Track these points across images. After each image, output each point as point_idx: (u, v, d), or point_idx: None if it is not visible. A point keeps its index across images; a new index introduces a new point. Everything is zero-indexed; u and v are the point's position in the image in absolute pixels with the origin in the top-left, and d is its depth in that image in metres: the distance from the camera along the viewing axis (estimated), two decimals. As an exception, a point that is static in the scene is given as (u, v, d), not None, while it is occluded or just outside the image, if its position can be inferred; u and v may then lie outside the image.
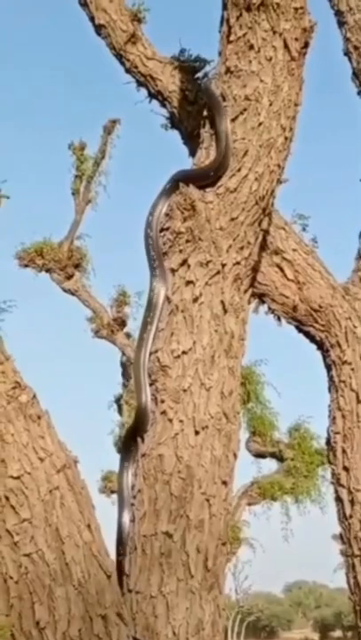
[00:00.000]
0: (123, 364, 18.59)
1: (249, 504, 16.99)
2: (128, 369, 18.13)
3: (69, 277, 16.63)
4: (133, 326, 17.38)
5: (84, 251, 16.76)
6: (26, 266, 16.26)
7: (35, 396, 3.79)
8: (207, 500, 3.93)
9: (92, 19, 5.18)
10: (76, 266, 16.66)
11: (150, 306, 4.19)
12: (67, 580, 3.57)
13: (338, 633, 66.39)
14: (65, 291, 16.82)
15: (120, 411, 18.96)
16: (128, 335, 17.73)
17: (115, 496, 18.35)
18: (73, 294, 16.94)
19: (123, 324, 17.61)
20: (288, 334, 5.20)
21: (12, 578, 3.58)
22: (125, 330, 17.75)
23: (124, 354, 18.00)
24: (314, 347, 5.11)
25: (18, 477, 3.61)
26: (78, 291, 16.93)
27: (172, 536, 3.84)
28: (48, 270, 16.47)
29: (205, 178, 4.19)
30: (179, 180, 4.24)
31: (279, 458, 17.51)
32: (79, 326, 17.45)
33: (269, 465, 17.81)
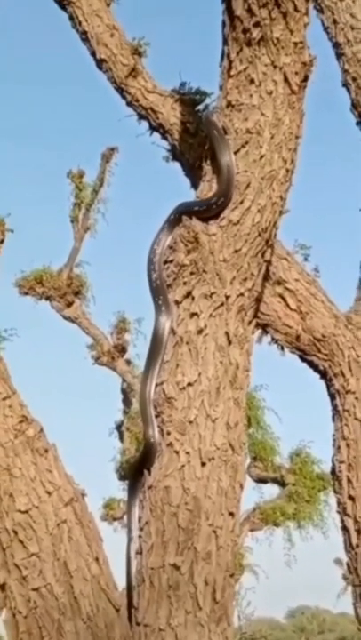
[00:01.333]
0: (123, 391, 18.61)
1: (251, 530, 16.96)
2: (129, 395, 18.14)
3: (69, 305, 16.68)
4: (133, 353, 17.41)
5: (84, 278, 16.82)
6: (26, 294, 16.31)
7: (41, 430, 3.81)
8: (214, 532, 3.93)
9: (93, 53, 5.24)
10: (76, 293, 16.71)
11: (155, 338, 4.21)
12: (75, 615, 3.57)
13: (342, 658, 65.91)
14: (65, 318, 16.86)
15: (121, 437, 18.95)
16: (128, 362, 17.76)
17: (116, 523, 18.30)
18: (73, 322, 16.98)
19: (123, 350, 17.65)
20: (288, 360, 5.23)
21: (20, 612, 3.59)
22: (126, 356, 17.78)
23: (124, 380, 18.03)
24: (317, 375, 5.14)
25: (26, 511, 3.63)
26: (78, 318, 16.98)
27: (179, 568, 3.84)
28: (48, 298, 16.52)
29: (208, 210, 4.22)
30: (182, 213, 4.27)
31: (281, 483, 17.49)
32: (80, 354, 17.45)
33: (271, 490, 17.79)
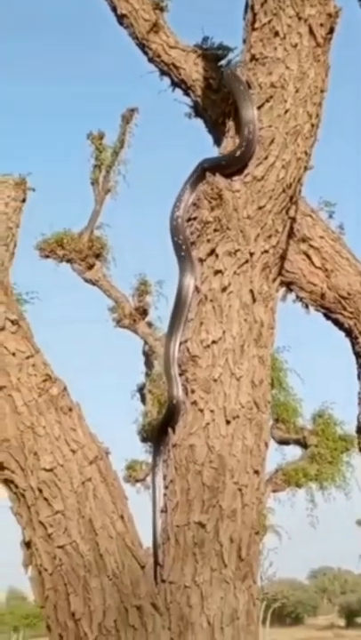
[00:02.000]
0: (145, 354, 18.63)
1: (274, 491, 17.04)
2: (151, 358, 18.16)
3: (90, 267, 16.66)
4: (155, 315, 17.41)
5: (105, 240, 16.80)
6: (47, 257, 16.31)
7: (65, 389, 3.80)
8: (239, 490, 3.92)
9: (114, 9, 5.16)
10: (97, 256, 16.69)
11: (179, 297, 4.18)
12: (101, 572, 3.58)
13: (364, 618, 66.30)
14: (86, 281, 16.86)
15: (143, 400, 19.01)
16: (150, 324, 17.77)
17: (139, 485, 18.43)
18: (94, 284, 16.98)
19: (144, 313, 17.65)
20: (309, 322, 5.19)
21: (46, 570, 3.60)
22: (147, 319, 17.79)
23: (146, 343, 18.05)
24: (342, 334, 5.10)
25: (50, 470, 3.62)
26: (100, 281, 16.97)
27: (205, 526, 3.84)
28: (69, 261, 16.51)
29: (230, 164, 4.17)
30: (204, 169, 4.22)
31: (303, 444, 17.54)
32: (101, 316, 17.47)
33: (293, 452, 17.85)
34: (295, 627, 66.28)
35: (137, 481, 18.58)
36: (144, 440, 18.33)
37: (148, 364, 18.60)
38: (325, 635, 57.41)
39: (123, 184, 16.91)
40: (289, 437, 17.61)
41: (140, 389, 19.25)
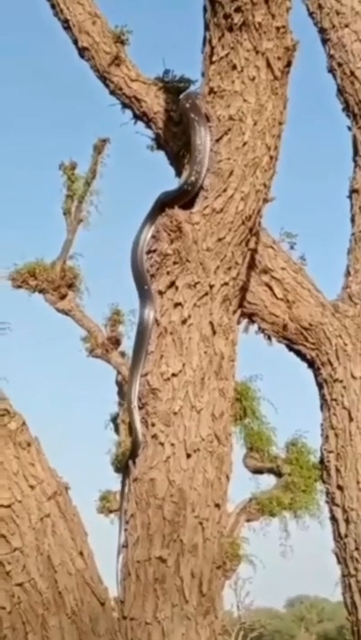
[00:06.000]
0: (118, 383, 18.55)
1: (248, 520, 16.93)
2: (124, 388, 18.09)
3: (63, 297, 16.61)
4: (128, 345, 17.36)
5: (77, 270, 16.76)
6: (19, 287, 16.25)
7: (24, 423, 3.76)
8: (200, 524, 3.90)
9: (75, 42, 5.16)
10: (70, 286, 16.64)
11: (140, 330, 4.18)
12: (60, 609, 3.53)
13: (341, 647, 65.93)
14: (59, 311, 16.80)
15: (117, 430, 18.92)
16: (123, 354, 17.70)
17: (112, 516, 18.31)
18: (67, 314, 16.92)
19: (117, 342, 17.59)
20: (282, 351, 5.18)
21: (4, 608, 3.54)
22: (120, 348, 17.72)
23: (119, 372, 17.97)
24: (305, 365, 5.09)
25: (8, 506, 3.57)
26: (72, 310, 16.91)
27: (165, 561, 3.81)
28: (41, 291, 16.45)
29: (183, 194, 4.20)
30: (162, 202, 4.24)
31: (277, 473, 17.46)
32: (74, 346, 17.41)
33: (268, 480, 17.76)
34: (273, 657, 65.74)
35: (110, 512, 18.43)
36: (118, 470, 18.21)
37: (121, 393, 18.51)
38: (304, 664, 56.97)
39: (95, 214, 16.91)
40: (263, 466, 17.52)
41: (114, 419, 19.16)
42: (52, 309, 16.76)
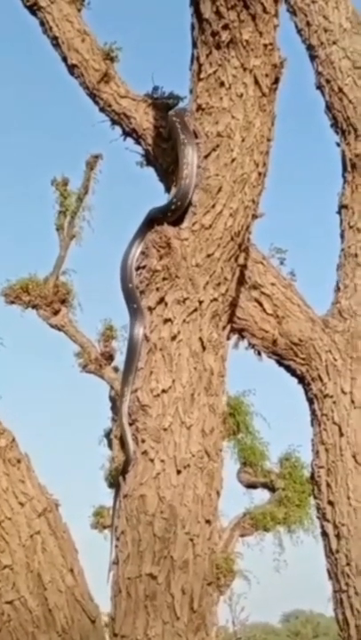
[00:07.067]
0: (112, 399, 18.54)
1: (242, 535, 16.89)
2: (117, 403, 18.05)
3: (56, 313, 16.60)
4: (121, 360, 17.36)
5: (70, 286, 16.77)
6: (12, 302, 16.24)
7: (14, 440, 3.76)
8: (191, 540, 3.89)
9: (64, 59, 5.18)
10: (63, 301, 16.64)
11: (130, 347, 4.18)
12: (50, 627, 3.52)
13: (337, 662, 65.52)
14: (52, 326, 16.80)
15: (110, 445, 18.88)
16: (116, 369, 17.69)
17: (107, 531, 18.27)
18: (60, 330, 16.91)
19: (110, 358, 17.58)
20: (274, 365, 5.18)
21: (-6, 626, 3.53)
22: (113, 364, 17.71)
23: (112, 388, 17.95)
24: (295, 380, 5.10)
25: (-2, 523, 3.57)
26: (65, 326, 16.90)
27: (156, 578, 3.80)
28: (34, 307, 16.45)
29: (173, 210, 4.21)
30: (151, 218, 4.25)
31: (271, 488, 17.43)
32: (67, 362, 17.41)
33: (261, 495, 17.73)
34: (269, 672, 65.49)
35: (104, 527, 18.38)
36: (111, 486, 18.16)
37: (115, 409, 18.50)
38: None
39: (87, 229, 16.92)
40: (256, 481, 17.50)
41: (107, 435, 19.12)
42: (46, 325, 16.75)
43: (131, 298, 4.27)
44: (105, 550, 4.12)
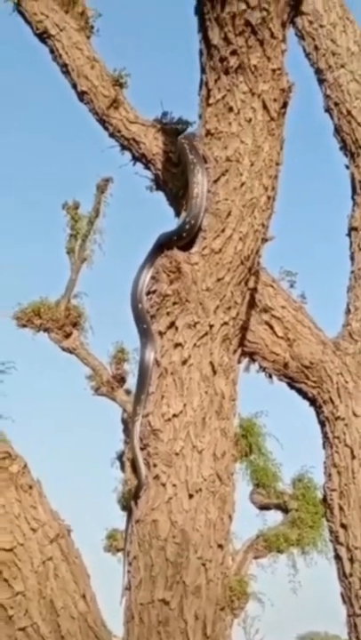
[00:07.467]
0: (124, 421, 18.52)
1: (255, 557, 16.80)
2: (129, 425, 18.01)
3: (67, 336, 16.63)
4: (132, 382, 17.35)
5: (82, 309, 16.79)
6: (24, 326, 16.28)
7: (25, 466, 3.75)
8: (203, 565, 3.88)
9: (74, 86, 5.23)
10: (74, 324, 16.67)
11: (141, 372, 4.19)
12: (63, 654, 3.51)
13: None
14: (63, 349, 16.81)
15: (123, 468, 18.84)
16: (128, 392, 17.68)
17: (120, 554, 18.22)
18: (71, 353, 16.93)
19: (122, 380, 17.58)
20: (285, 387, 5.17)
21: (7, 654, 3.52)
22: (125, 386, 17.71)
23: (124, 410, 17.94)
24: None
25: (10, 549, 3.56)
26: (77, 349, 16.91)
27: (168, 603, 3.79)
28: (46, 330, 16.47)
29: (183, 235, 4.22)
30: (161, 244, 4.27)
31: (284, 509, 17.36)
32: (79, 384, 17.43)
33: (275, 517, 17.65)
34: None
35: (118, 550, 18.32)
36: (124, 508, 18.11)
37: (127, 431, 18.47)
38: None
39: (98, 252, 16.97)
40: (270, 502, 17.43)
41: (120, 457, 19.09)
42: (57, 348, 16.77)
43: (141, 322, 4.28)
44: (118, 572, 4.11)
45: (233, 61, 4.11)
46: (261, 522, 17.41)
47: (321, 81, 5.75)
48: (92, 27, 5.39)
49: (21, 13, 5.37)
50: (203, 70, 4.27)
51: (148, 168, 5.19)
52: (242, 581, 15.29)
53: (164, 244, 4.27)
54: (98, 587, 3.81)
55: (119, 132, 5.20)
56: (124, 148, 5.26)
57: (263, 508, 17.45)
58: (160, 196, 5.26)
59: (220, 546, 3.97)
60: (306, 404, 5.17)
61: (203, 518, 3.92)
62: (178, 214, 4.83)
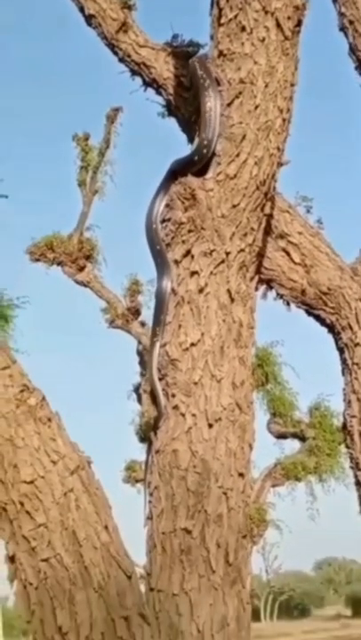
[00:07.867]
0: (139, 353, 18.51)
1: (273, 486, 16.93)
2: (145, 357, 18.05)
3: (81, 269, 16.57)
4: (148, 314, 17.32)
5: (95, 242, 16.70)
6: (37, 260, 16.21)
7: (44, 398, 3.73)
8: (225, 494, 3.87)
9: (81, 9, 5.08)
10: (87, 257, 16.58)
11: (158, 301, 4.14)
12: (87, 584, 3.52)
13: (371, 607, 66.23)
14: (77, 283, 16.78)
15: (140, 400, 18.93)
16: (143, 324, 17.63)
17: (139, 485, 18.41)
18: (85, 286, 16.89)
19: (137, 312, 17.51)
20: (302, 314, 5.11)
21: (31, 584, 3.54)
22: (140, 318, 17.69)
23: (140, 342, 17.92)
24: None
25: (31, 482, 3.56)
26: (91, 282, 16.85)
27: (191, 532, 3.79)
28: (59, 263, 16.42)
29: (196, 161, 4.13)
30: (174, 170, 4.18)
31: (301, 438, 17.45)
32: (94, 318, 17.45)
33: (292, 445, 17.76)
34: (302, 619, 66.33)
35: (137, 481, 18.49)
36: (142, 440, 18.22)
37: (143, 363, 18.49)
38: (332, 625, 57.23)
39: (110, 184, 16.84)
40: (286, 431, 17.46)
41: (136, 389, 19.17)
42: (71, 282, 16.74)
43: (156, 252, 4.21)
44: (138, 503, 4.11)
45: (245, -23, 3.98)
46: (279, 451, 17.55)
47: (335, -1, 5.56)
48: None
49: None
50: (214, -11, 4.14)
51: (159, 93, 5.05)
52: (260, 509, 15.39)
53: (177, 171, 4.19)
54: (118, 517, 3.82)
55: (129, 56, 5.05)
56: (134, 73, 5.11)
57: (280, 436, 17.55)
58: (172, 122, 5.14)
59: (241, 474, 3.96)
60: (323, 331, 5.11)
61: (223, 447, 3.91)
62: (191, 140, 4.72)
